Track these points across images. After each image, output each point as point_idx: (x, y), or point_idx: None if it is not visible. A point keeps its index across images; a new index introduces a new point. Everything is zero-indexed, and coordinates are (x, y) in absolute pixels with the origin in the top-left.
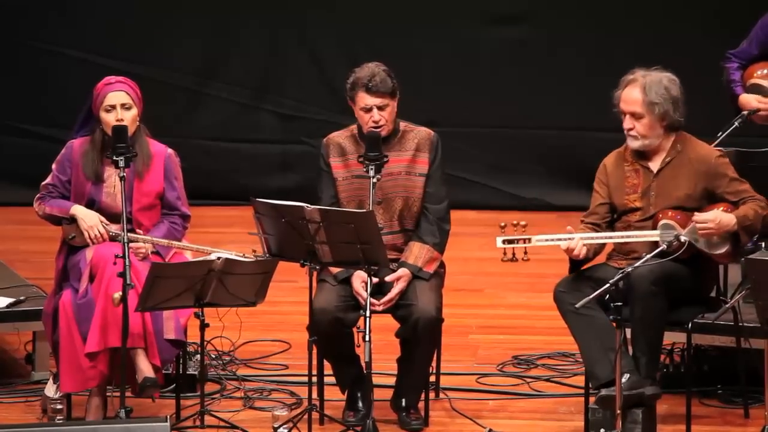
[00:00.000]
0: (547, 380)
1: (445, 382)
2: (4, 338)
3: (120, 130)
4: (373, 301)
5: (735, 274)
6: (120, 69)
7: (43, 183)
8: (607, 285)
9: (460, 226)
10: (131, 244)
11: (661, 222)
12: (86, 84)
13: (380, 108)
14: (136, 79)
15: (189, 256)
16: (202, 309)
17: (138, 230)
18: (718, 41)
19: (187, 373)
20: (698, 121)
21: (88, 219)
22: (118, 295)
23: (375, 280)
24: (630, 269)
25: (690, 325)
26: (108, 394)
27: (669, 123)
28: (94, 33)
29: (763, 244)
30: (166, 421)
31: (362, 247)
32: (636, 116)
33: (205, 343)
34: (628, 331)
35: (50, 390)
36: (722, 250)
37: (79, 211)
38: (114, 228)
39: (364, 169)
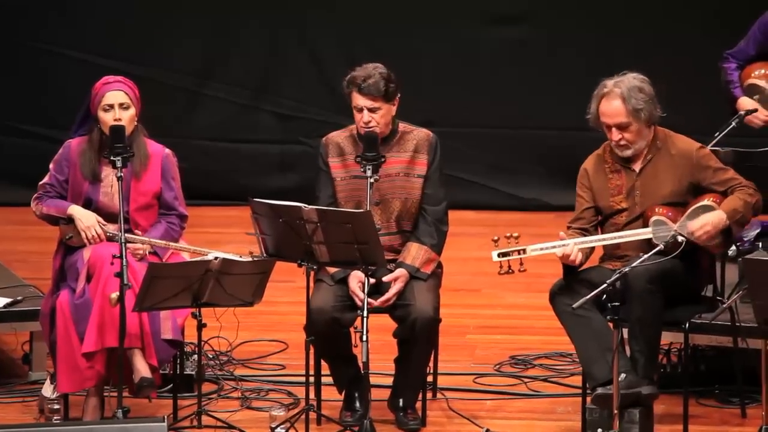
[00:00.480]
0: (545, 380)
1: (442, 382)
2: (2, 338)
3: (118, 130)
4: (371, 301)
5: (732, 274)
6: (119, 69)
7: (41, 183)
8: (605, 285)
9: (458, 226)
10: (129, 245)
11: (653, 219)
12: (86, 84)
13: (371, 110)
14: (135, 79)
15: (186, 256)
16: (200, 309)
17: (135, 230)
18: (718, 41)
19: (185, 373)
20: (697, 121)
21: (86, 219)
22: (115, 295)
23: (372, 280)
24: (627, 269)
25: (687, 325)
26: (105, 394)
27: (653, 122)
28: (94, 33)
29: (761, 244)
30: (164, 422)
31: (359, 247)
32: (622, 126)
33: (203, 343)
34: (625, 332)
35: (47, 390)
36: (714, 242)
37: (76, 211)
38: (111, 228)
39: (361, 170)
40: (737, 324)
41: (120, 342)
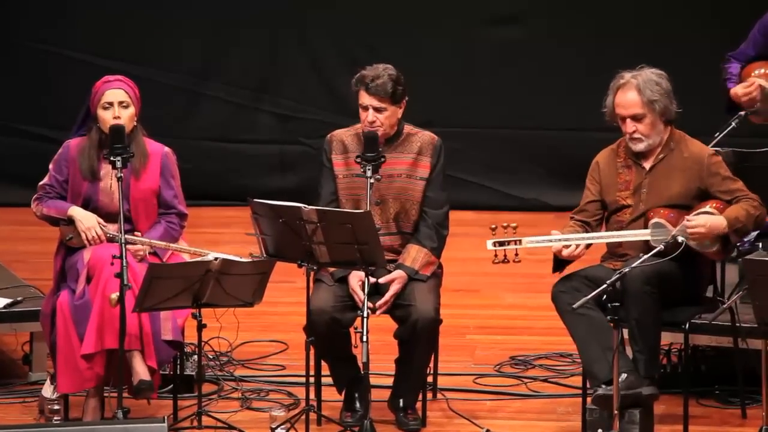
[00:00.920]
0: (545, 380)
1: (442, 382)
2: (2, 339)
3: (117, 130)
4: (371, 305)
5: (732, 275)
6: (119, 69)
7: (41, 183)
8: (605, 285)
9: (458, 226)
10: (129, 246)
11: (652, 221)
12: (86, 84)
13: (376, 110)
14: (135, 79)
15: (186, 257)
16: (200, 309)
17: (136, 229)
18: (718, 41)
19: (185, 373)
20: (697, 121)
21: (86, 220)
22: (115, 295)
23: (372, 280)
24: (627, 269)
25: (687, 325)
26: (105, 394)
27: (667, 118)
28: (94, 33)
29: (761, 245)
30: (164, 422)
31: (359, 247)
32: (637, 118)
33: (203, 343)
34: (626, 332)
35: (47, 390)
36: (713, 249)
37: (76, 212)
38: (111, 229)
39: (361, 169)
40: (737, 324)
41: (120, 342)
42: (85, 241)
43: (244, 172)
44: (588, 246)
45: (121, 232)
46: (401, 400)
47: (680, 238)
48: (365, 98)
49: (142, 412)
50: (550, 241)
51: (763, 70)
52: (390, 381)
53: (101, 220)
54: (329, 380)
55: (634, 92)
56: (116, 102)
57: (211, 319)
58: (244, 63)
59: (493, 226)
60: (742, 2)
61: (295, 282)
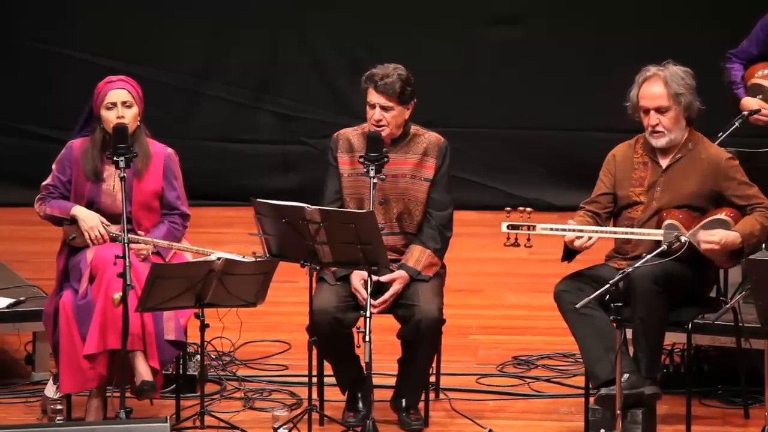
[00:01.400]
0: (547, 380)
1: (445, 382)
2: (5, 339)
3: (121, 129)
4: (373, 302)
5: (735, 275)
6: (119, 69)
7: (44, 183)
8: (608, 285)
9: (460, 226)
10: (132, 246)
11: (666, 222)
12: (86, 84)
13: (383, 108)
14: (135, 79)
15: (189, 257)
16: (203, 309)
17: (138, 230)
18: (718, 41)
19: (187, 373)
20: (698, 121)
21: (89, 220)
22: (118, 295)
23: (374, 278)
24: (630, 269)
25: (690, 325)
26: (108, 394)
27: (690, 114)
28: (94, 33)
29: (764, 245)
30: (166, 422)
31: (363, 247)
32: (661, 110)
33: (205, 343)
34: (629, 332)
35: (50, 390)
36: (723, 257)
37: (79, 212)
38: (114, 229)
39: (364, 169)
40: (740, 324)
41: (123, 342)
42: (88, 241)
43: (245, 172)
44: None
45: (124, 232)
46: (404, 400)
47: (684, 238)
48: (373, 96)
49: (144, 412)
50: (564, 230)
51: (766, 71)
52: (393, 381)
53: (104, 220)
54: (332, 380)
55: (661, 84)
56: (119, 102)
57: (213, 319)
58: (245, 63)
59: (509, 209)
60: (742, 2)
61: (297, 282)
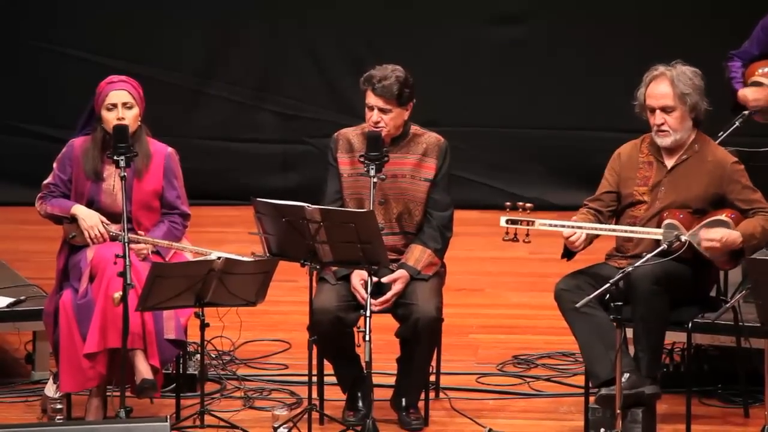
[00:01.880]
0: (547, 380)
1: (445, 381)
2: (5, 338)
3: (121, 129)
4: (371, 300)
5: (735, 274)
6: (120, 69)
7: (45, 182)
8: (608, 284)
9: (460, 225)
10: (132, 245)
11: (666, 222)
12: (87, 83)
13: (382, 111)
14: (136, 78)
15: (189, 256)
16: (203, 309)
17: (138, 230)
18: (718, 41)
19: (187, 372)
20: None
21: (89, 219)
22: (118, 294)
23: (375, 279)
24: (630, 269)
25: (690, 324)
26: (108, 393)
27: (696, 115)
28: (94, 33)
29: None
30: (166, 421)
31: (363, 246)
32: (667, 110)
33: (206, 342)
34: (629, 331)
35: (50, 390)
36: (723, 259)
37: (80, 210)
38: (114, 228)
39: (364, 169)
40: (740, 324)
41: (123, 342)
42: (88, 240)
43: (246, 171)
44: (590, 242)
45: (124, 231)
46: (404, 399)
47: (684, 238)
48: (371, 98)
49: (144, 411)
50: (563, 226)
51: (766, 69)
52: (393, 380)
53: (104, 219)
54: (332, 379)
55: (667, 84)
56: (120, 103)
57: (213, 318)
58: (246, 62)
59: (509, 203)
60: (742, 2)
61: (297, 281)
